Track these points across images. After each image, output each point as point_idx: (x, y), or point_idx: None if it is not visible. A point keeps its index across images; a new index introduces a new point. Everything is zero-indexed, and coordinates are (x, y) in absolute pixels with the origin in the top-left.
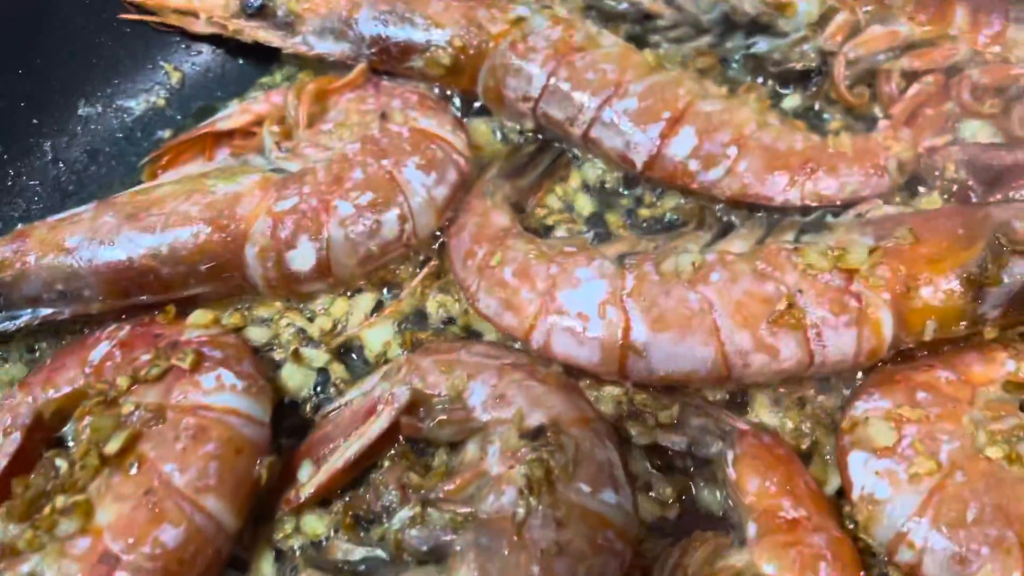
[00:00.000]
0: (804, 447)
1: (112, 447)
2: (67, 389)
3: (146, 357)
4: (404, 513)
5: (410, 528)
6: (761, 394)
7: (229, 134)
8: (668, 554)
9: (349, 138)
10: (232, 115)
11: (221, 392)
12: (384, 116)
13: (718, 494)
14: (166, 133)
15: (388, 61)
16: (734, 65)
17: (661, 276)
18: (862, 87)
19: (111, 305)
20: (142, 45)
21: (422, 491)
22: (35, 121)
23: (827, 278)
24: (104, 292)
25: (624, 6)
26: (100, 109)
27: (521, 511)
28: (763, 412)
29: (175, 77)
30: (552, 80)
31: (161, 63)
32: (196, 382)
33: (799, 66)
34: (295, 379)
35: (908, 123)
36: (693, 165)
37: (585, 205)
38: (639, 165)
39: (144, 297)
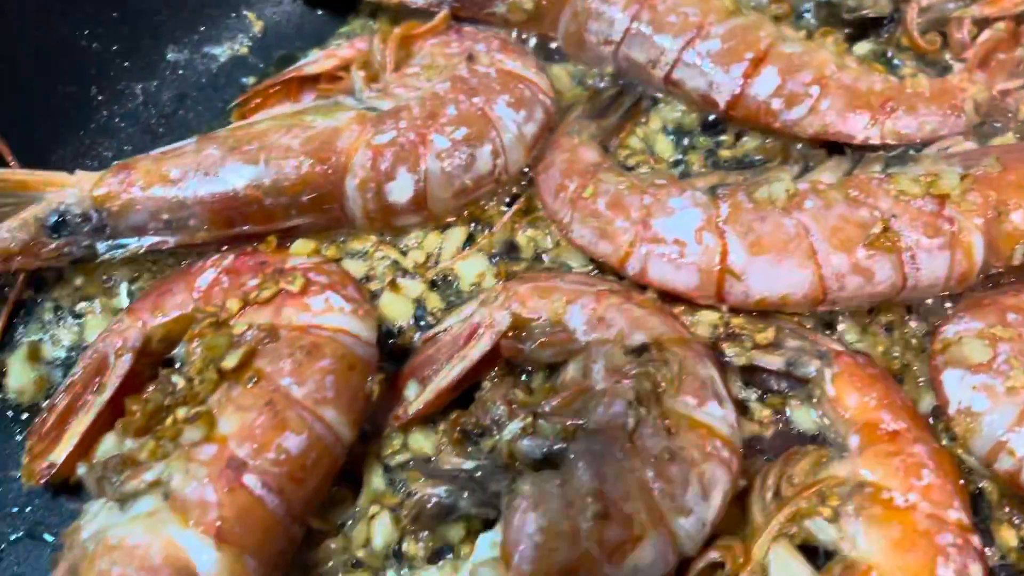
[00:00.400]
0: (895, 368)
1: (230, 362)
2: (175, 314)
3: (254, 282)
4: (515, 425)
5: (522, 438)
6: (849, 322)
7: (314, 79)
8: (771, 466)
9: (437, 79)
10: (318, 60)
11: (330, 313)
12: (471, 58)
13: (812, 413)
14: (249, 80)
15: (470, 7)
16: (806, 14)
17: (755, 204)
18: (933, 34)
19: (215, 235)
20: None
21: (529, 406)
22: (127, 64)
23: (919, 204)
24: (209, 222)
25: None
26: (187, 55)
27: (632, 420)
28: (851, 338)
29: (257, 26)
30: (634, 23)
31: (244, 12)
32: (305, 304)
33: (872, 13)
34: (393, 308)
35: (980, 68)
36: (776, 104)
37: (665, 146)
38: (722, 105)
39: (247, 227)
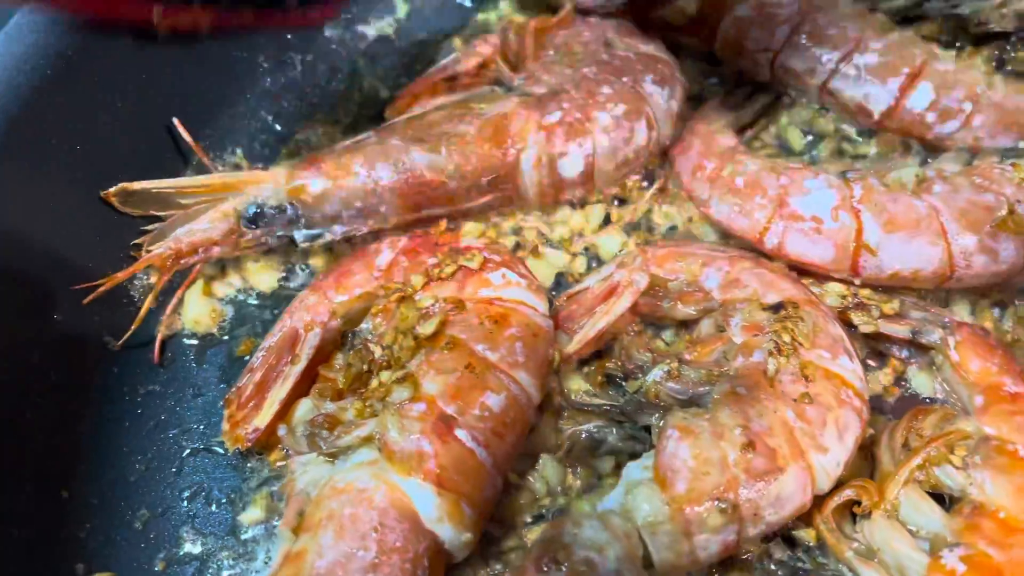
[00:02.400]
0: (1006, 342)
1: (427, 330)
2: (358, 291)
3: (433, 261)
4: (660, 370)
5: (667, 381)
6: (961, 301)
7: (454, 76)
8: (899, 421)
9: (581, 64)
10: (460, 59)
11: (509, 287)
12: (608, 44)
13: (932, 380)
14: (393, 61)
15: (636, 10)
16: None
17: (887, 187)
18: None
19: (404, 219)
20: None
21: (672, 354)
22: (289, 37)
23: None
24: (398, 207)
25: None
26: (341, 32)
27: (772, 367)
28: (964, 315)
29: (403, 10)
30: (795, 35)
31: None
32: (486, 280)
33: (997, 27)
34: (538, 272)
35: None
36: (930, 118)
37: (796, 138)
38: (876, 116)
39: (432, 209)
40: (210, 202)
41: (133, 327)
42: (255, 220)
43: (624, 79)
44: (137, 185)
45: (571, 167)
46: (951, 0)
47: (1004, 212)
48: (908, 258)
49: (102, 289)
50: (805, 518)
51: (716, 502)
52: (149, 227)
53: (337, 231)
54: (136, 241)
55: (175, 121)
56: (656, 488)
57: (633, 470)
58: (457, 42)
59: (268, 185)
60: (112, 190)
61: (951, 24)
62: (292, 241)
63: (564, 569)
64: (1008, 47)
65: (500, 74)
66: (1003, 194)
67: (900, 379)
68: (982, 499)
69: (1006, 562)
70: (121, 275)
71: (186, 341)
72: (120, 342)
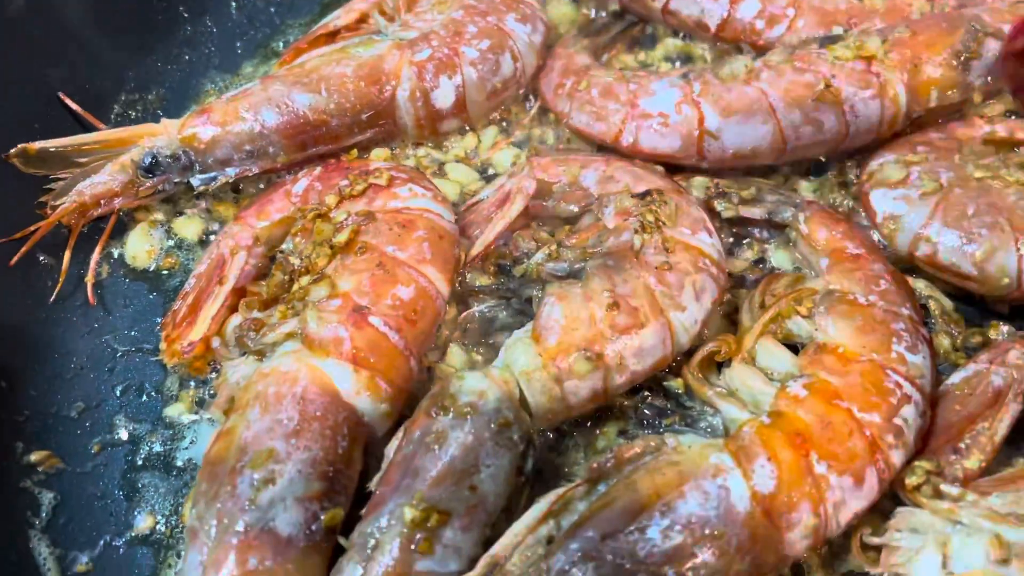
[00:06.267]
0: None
1: (341, 239)
2: (277, 216)
3: (344, 182)
4: (542, 253)
5: (548, 261)
6: (806, 182)
7: (335, 32)
8: (755, 291)
9: (450, 9)
10: (341, 15)
11: (415, 198)
12: None
13: (789, 255)
14: (311, 9)
15: None
16: None
17: (721, 80)
18: None
19: (292, 158)
20: None
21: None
22: None
23: (852, 65)
24: (285, 147)
25: None
26: None
27: (638, 242)
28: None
29: None
30: None
31: None
32: (394, 193)
33: None
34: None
35: None
36: (759, 25)
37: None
38: (712, 28)
39: (319, 148)
40: (108, 157)
41: (60, 281)
42: (151, 169)
43: (489, 18)
44: (37, 145)
45: (444, 98)
46: None
47: (822, 86)
48: (745, 138)
49: (23, 250)
50: (676, 371)
51: (583, 351)
52: (52, 185)
53: (230, 173)
54: (41, 199)
55: (61, 95)
56: (531, 343)
57: (516, 333)
58: None
59: (162, 136)
60: (13, 151)
61: None
62: (189, 187)
63: (451, 414)
64: None
65: (377, 26)
66: (820, 72)
67: (761, 258)
68: (824, 340)
69: (842, 385)
70: (37, 234)
71: (121, 271)
72: (52, 298)
